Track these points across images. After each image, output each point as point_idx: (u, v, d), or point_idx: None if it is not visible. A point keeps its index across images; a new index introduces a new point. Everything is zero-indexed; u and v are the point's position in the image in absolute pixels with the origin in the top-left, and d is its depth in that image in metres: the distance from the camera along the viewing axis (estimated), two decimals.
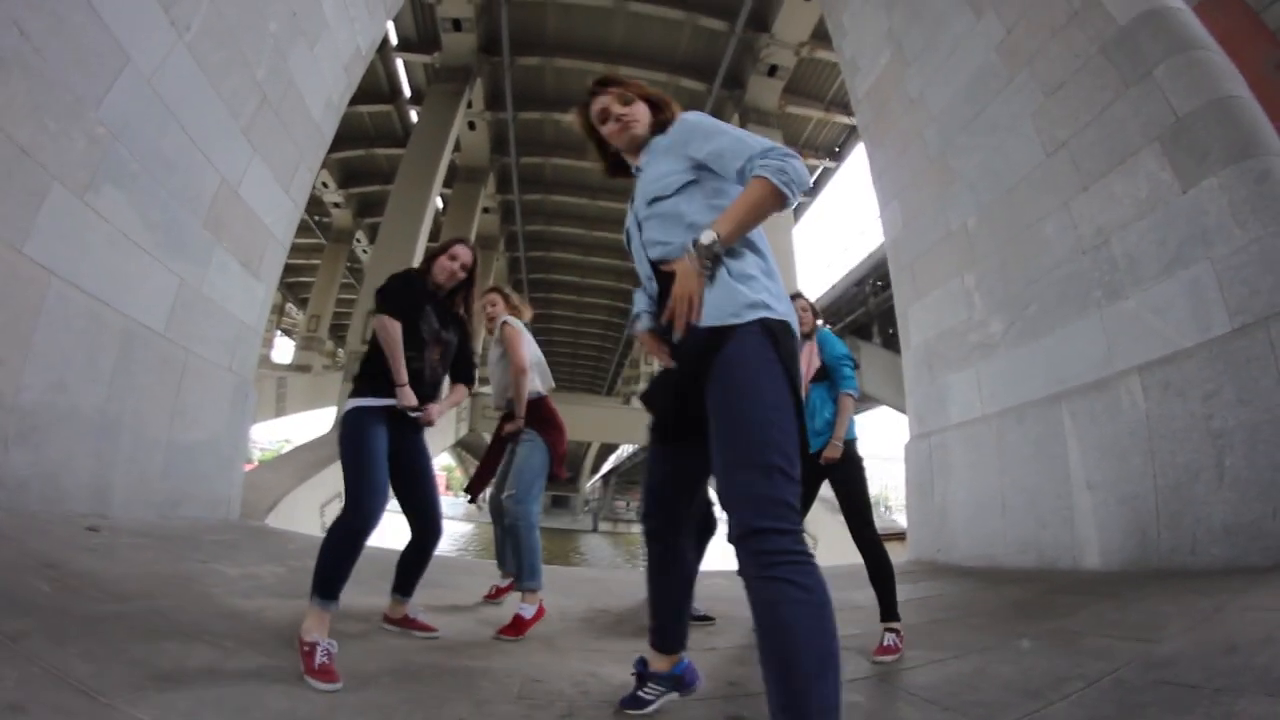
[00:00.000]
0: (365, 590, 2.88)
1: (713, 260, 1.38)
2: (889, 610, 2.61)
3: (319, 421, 22.89)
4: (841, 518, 2.92)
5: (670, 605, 1.73)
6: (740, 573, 1.22)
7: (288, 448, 13.31)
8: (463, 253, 2.70)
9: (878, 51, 7.30)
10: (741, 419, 1.30)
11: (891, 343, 14.71)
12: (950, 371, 5.88)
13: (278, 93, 5.45)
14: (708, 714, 1.86)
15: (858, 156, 19.44)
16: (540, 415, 3.35)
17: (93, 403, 3.77)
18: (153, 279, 4.28)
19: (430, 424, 2.57)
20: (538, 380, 3.45)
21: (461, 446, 31.41)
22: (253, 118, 5.15)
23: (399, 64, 17.70)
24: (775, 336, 1.37)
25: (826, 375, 2.97)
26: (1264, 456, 3.14)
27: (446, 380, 2.75)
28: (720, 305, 1.37)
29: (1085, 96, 4.50)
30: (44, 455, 3.39)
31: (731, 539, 1.25)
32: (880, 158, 7.41)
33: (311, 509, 8.54)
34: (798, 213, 22.49)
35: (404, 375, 2.40)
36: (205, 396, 4.99)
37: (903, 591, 3.84)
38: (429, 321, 2.55)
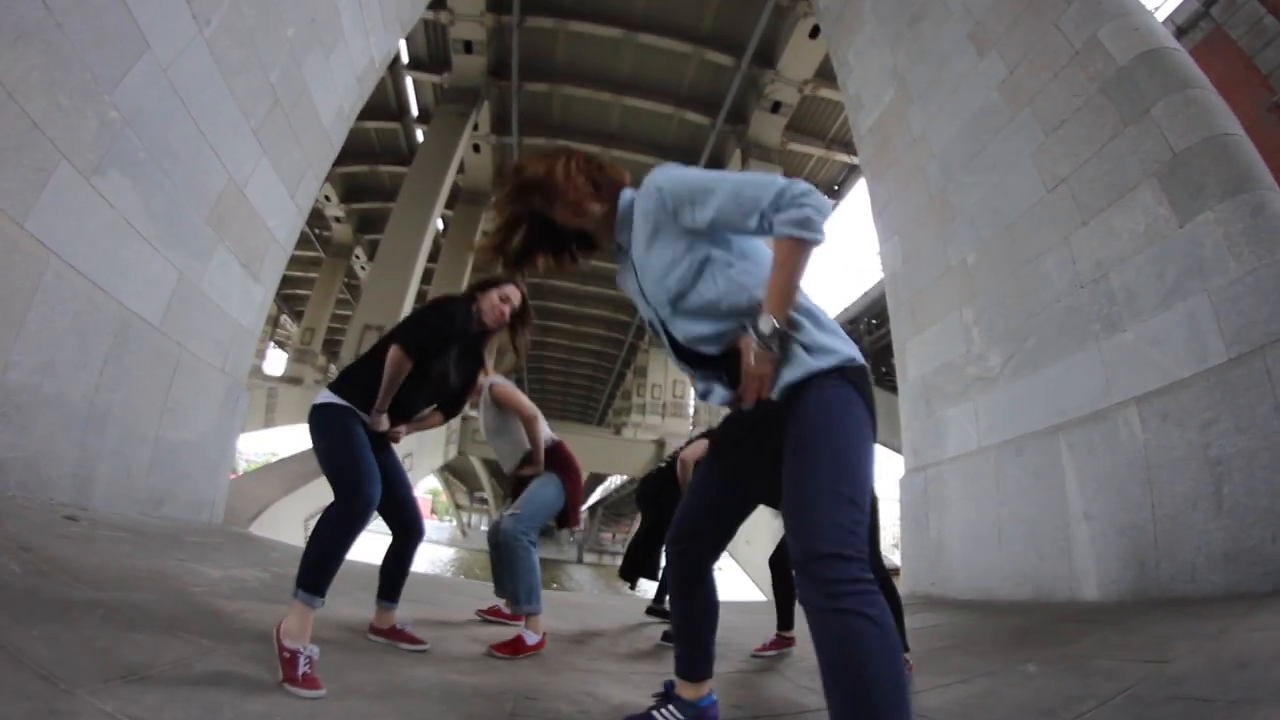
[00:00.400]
0: (348, 601, 2.82)
1: (780, 342, 1.33)
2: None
3: (307, 435, 22.70)
4: None
5: (693, 629, 1.64)
6: (803, 601, 1.18)
7: (274, 460, 13.13)
8: (514, 294, 2.63)
9: (881, 89, 7.45)
10: (817, 449, 1.27)
11: (884, 381, 14.74)
12: (947, 405, 5.87)
13: (290, 97, 5.50)
14: None
15: (856, 195, 19.78)
16: (559, 459, 3.28)
17: (81, 390, 3.71)
18: (152, 270, 4.24)
19: (396, 441, 2.58)
20: (547, 427, 3.38)
21: (448, 470, 31.13)
22: (264, 119, 5.19)
23: (408, 82, 17.99)
24: (850, 380, 1.34)
25: None
26: (1262, 483, 3.15)
27: None
28: (793, 371, 1.34)
29: (1085, 134, 4.59)
30: (26, 438, 3.31)
31: (795, 565, 1.20)
32: (881, 193, 7.51)
33: (296, 521, 8.41)
34: None
35: (385, 405, 2.38)
36: (196, 395, 4.92)
37: (920, 620, 3.84)
38: (444, 364, 2.52)
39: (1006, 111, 5.39)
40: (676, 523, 1.63)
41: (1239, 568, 3.16)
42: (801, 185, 1.33)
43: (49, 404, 3.45)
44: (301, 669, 1.79)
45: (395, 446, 2.64)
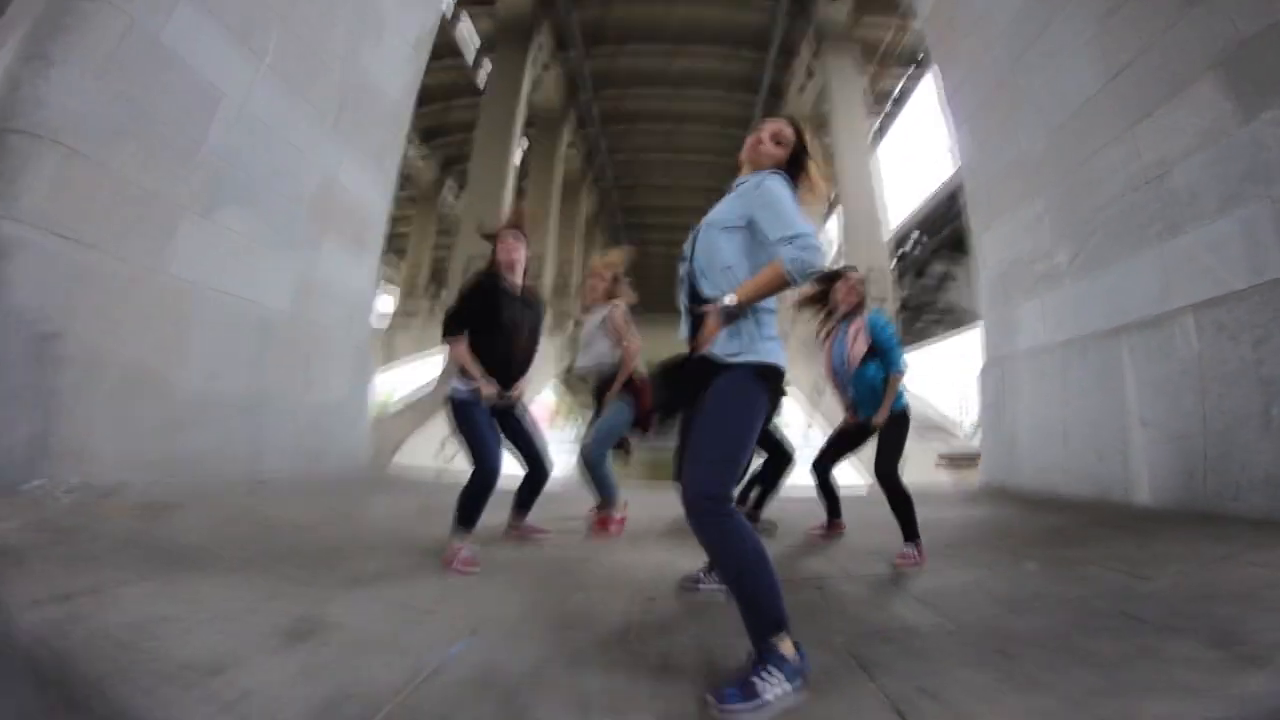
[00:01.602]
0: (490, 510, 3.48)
1: (729, 318, 1.71)
2: (909, 531, 2.88)
3: (426, 368, 24.14)
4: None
5: None
6: (689, 518, 1.60)
7: (393, 398, 14.35)
8: (512, 238, 3.00)
9: None
10: (710, 418, 1.67)
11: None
12: (1021, 300, 5.72)
13: (356, 88, 5.77)
14: None
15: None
16: (635, 385, 3.73)
17: (242, 383, 4.47)
18: (276, 271, 4.89)
19: (515, 401, 2.98)
20: (591, 356, 3.81)
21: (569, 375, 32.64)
22: (338, 115, 5.54)
23: (464, 19, 17.59)
24: (760, 376, 1.71)
25: (876, 353, 3.12)
26: None
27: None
28: (727, 346, 1.72)
29: (1145, 16, 4.13)
30: (210, 433, 4.12)
31: (682, 498, 1.62)
32: (950, 78, 6.95)
33: (429, 450, 9.49)
34: (884, 126, 21.23)
35: (478, 375, 2.80)
36: (331, 365, 5.64)
37: (958, 514, 4.13)
38: (508, 315, 2.89)
39: None
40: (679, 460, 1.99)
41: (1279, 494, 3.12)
42: (813, 240, 1.64)
43: (220, 402, 4.24)
44: (463, 555, 2.52)
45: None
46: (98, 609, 1.69)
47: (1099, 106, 4.60)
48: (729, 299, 1.69)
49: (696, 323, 1.81)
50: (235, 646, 1.57)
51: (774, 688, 1.40)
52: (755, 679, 1.41)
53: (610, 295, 3.80)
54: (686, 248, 1.96)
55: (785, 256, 1.63)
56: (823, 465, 3.31)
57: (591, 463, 3.62)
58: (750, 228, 1.78)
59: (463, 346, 2.82)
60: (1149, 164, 4.16)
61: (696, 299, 1.85)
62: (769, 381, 1.72)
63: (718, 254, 1.81)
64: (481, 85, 18.59)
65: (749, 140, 1.97)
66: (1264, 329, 3.30)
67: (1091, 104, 4.67)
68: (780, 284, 1.66)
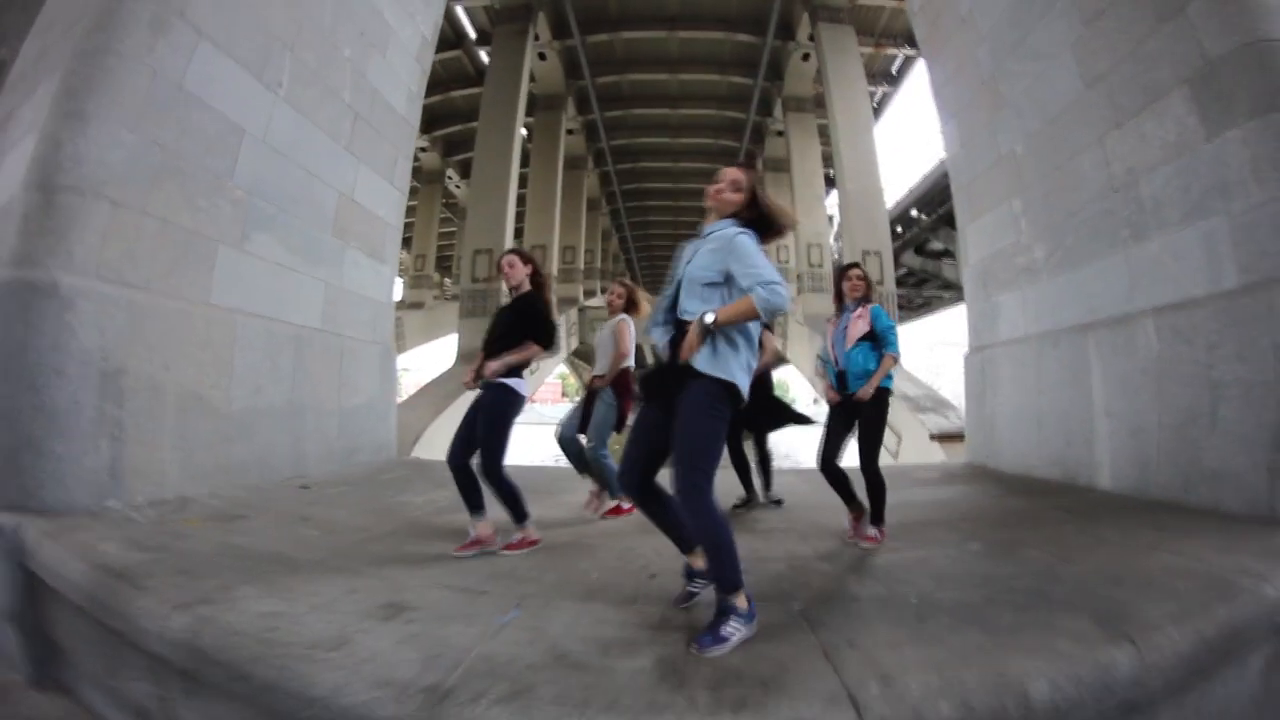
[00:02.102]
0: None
1: (706, 332, 2.05)
2: (877, 515, 3.28)
3: (436, 353, 24.48)
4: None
5: (670, 523, 2.35)
6: (678, 499, 2.04)
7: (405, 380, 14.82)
8: (510, 260, 3.38)
9: None
10: (684, 425, 2.04)
11: None
12: (1001, 291, 5.93)
13: (366, 105, 5.92)
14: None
15: None
16: (624, 382, 4.17)
17: (282, 395, 4.75)
18: (305, 289, 5.14)
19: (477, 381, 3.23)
20: (631, 360, 4.24)
21: (575, 356, 32.93)
22: (351, 134, 5.70)
23: (459, 10, 17.45)
24: (726, 390, 2.06)
25: (874, 338, 3.43)
26: (1253, 414, 3.25)
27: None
28: (704, 361, 2.05)
29: (1122, 29, 4.24)
30: (255, 443, 4.42)
31: (675, 486, 2.02)
32: (938, 74, 7.05)
33: (449, 436, 9.81)
34: (883, 104, 21.08)
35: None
36: (359, 368, 5.91)
37: (934, 494, 4.43)
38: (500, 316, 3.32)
39: None
40: (630, 456, 2.30)
41: (1224, 488, 3.37)
42: (780, 286, 1.99)
43: (264, 414, 4.54)
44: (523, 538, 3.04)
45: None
46: (220, 612, 2.03)
47: (1075, 114, 4.74)
48: (709, 316, 2.04)
49: (675, 338, 2.18)
50: (343, 627, 1.96)
51: (735, 632, 1.90)
52: (721, 627, 1.90)
53: (629, 309, 4.28)
54: (669, 291, 2.28)
55: (757, 297, 1.98)
56: (830, 463, 3.50)
57: (596, 462, 4.12)
58: (728, 281, 2.11)
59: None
60: (1119, 172, 4.32)
61: (678, 322, 2.20)
62: (731, 396, 2.07)
63: (701, 301, 2.14)
64: (481, 72, 18.49)
65: (711, 189, 2.31)
66: (1217, 335, 3.51)
67: (1068, 111, 4.81)
68: (752, 315, 2.02)
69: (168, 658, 1.95)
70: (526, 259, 3.41)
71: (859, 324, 3.42)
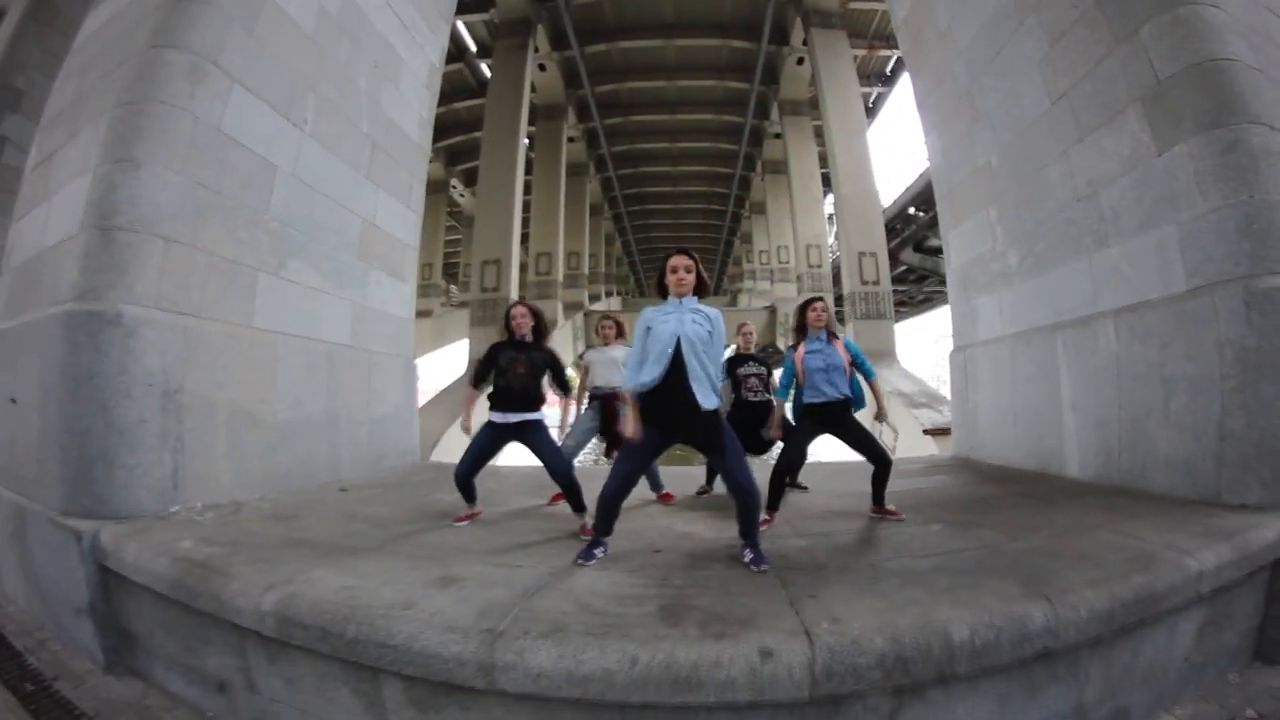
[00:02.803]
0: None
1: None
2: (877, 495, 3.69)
3: (444, 360, 24.88)
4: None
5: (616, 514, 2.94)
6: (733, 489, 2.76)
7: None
8: (518, 312, 3.76)
9: None
10: (728, 445, 2.76)
11: None
12: (979, 294, 6.16)
13: (381, 134, 6.19)
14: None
15: None
16: (608, 404, 4.50)
17: (319, 407, 5.07)
18: (335, 309, 5.45)
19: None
20: (617, 376, 4.44)
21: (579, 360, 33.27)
22: (370, 163, 5.98)
23: (459, 25, 17.65)
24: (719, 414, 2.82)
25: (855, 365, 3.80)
26: (1200, 408, 3.49)
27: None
28: (709, 401, 2.69)
29: (1082, 49, 4.44)
30: (297, 452, 4.73)
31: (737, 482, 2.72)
32: (921, 86, 7.24)
33: (464, 443, 10.11)
34: (877, 104, 21.22)
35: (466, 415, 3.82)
36: (386, 379, 6.21)
37: (914, 484, 4.73)
38: (507, 362, 3.63)
39: (1016, 16, 5.17)
40: (631, 472, 2.86)
41: (1175, 475, 3.62)
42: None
43: (303, 425, 4.85)
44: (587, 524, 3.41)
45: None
46: (303, 588, 2.41)
47: (1043, 128, 4.96)
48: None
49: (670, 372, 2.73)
50: (410, 594, 2.34)
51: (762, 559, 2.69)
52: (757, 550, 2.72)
53: (619, 337, 4.69)
54: (670, 347, 2.76)
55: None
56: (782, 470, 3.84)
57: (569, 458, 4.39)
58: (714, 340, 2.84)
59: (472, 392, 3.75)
60: (1082, 184, 4.54)
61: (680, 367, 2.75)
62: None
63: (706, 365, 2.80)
64: (482, 84, 18.75)
65: (672, 279, 2.91)
66: (1168, 335, 3.74)
67: (1036, 125, 5.03)
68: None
69: (259, 629, 2.32)
70: (535, 312, 3.81)
71: (842, 357, 3.71)
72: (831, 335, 3.79)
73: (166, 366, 3.61)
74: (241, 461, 4.12)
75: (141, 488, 3.45)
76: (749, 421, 4.45)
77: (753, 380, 4.70)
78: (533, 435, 3.59)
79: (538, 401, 3.65)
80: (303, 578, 2.50)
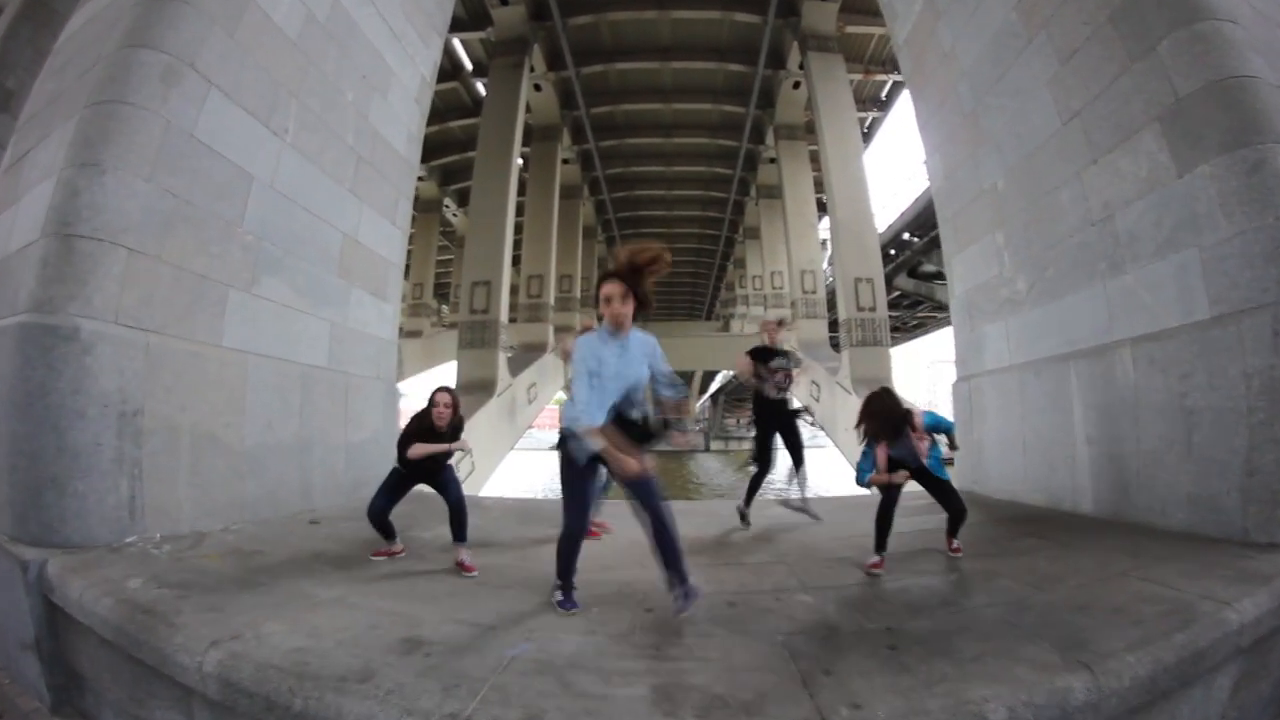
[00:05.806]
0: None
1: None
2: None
3: (433, 382, 24.51)
4: None
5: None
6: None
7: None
8: (442, 399, 3.65)
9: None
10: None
11: None
12: (985, 322, 6.02)
13: (368, 147, 6.00)
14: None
15: None
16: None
17: (291, 431, 4.81)
18: (312, 329, 5.20)
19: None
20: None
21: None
22: (354, 176, 5.78)
23: (455, 43, 17.75)
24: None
25: None
26: (1225, 440, 3.32)
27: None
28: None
29: (1095, 67, 4.34)
30: (266, 479, 4.48)
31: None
32: (923, 108, 7.20)
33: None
34: (873, 129, 21.47)
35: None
36: (364, 403, 5.95)
37: (920, 523, 4.37)
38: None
39: (1024, 34, 5.10)
40: (581, 512, 2.80)
41: (1198, 512, 3.45)
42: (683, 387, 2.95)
43: (274, 450, 4.59)
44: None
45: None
46: (251, 648, 2.15)
47: (1053, 149, 4.86)
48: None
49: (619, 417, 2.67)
50: (367, 661, 2.07)
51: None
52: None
53: None
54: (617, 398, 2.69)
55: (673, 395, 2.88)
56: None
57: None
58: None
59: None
60: (1096, 207, 4.43)
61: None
62: None
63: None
64: (477, 103, 18.78)
65: (606, 311, 2.64)
66: (1189, 365, 3.59)
67: (1046, 146, 4.93)
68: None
69: (201, 690, 2.07)
70: (457, 404, 3.74)
71: (921, 450, 3.57)
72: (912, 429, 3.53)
73: (125, 386, 3.36)
74: (205, 489, 3.87)
75: (94, 516, 3.20)
76: (777, 414, 4.79)
77: (780, 376, 4.81)
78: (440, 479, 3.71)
79: (443, 468, 3.74)
80: (251, 634, 2.25)
